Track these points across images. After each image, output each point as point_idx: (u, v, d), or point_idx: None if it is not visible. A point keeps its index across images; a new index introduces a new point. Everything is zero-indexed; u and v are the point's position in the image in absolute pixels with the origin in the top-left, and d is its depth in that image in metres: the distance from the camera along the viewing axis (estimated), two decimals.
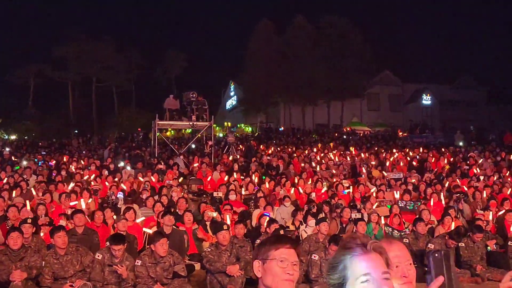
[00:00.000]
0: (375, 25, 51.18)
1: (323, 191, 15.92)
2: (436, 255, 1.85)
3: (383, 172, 19.77)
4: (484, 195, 15.24)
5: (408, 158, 23.33)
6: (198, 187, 16.88)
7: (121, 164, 20.34)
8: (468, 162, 21.84)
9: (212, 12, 79.69)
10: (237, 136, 33.38)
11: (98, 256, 8.23)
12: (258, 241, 9.89)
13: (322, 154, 23.94)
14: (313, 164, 20.75)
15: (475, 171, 20.20)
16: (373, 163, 21.90)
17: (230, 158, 21.96)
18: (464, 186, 16.69)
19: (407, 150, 26.25)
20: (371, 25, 51.73)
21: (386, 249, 2.42)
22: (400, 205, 13.63)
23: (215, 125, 29.00)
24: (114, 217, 11.15)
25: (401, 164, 21.42)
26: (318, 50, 49.22)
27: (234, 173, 17.72)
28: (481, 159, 22.58)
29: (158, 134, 23.96)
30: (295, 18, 51.93)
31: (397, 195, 15.15)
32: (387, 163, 21.72)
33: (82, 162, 21.01)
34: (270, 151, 25.40)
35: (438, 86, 57.30)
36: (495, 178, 18.21)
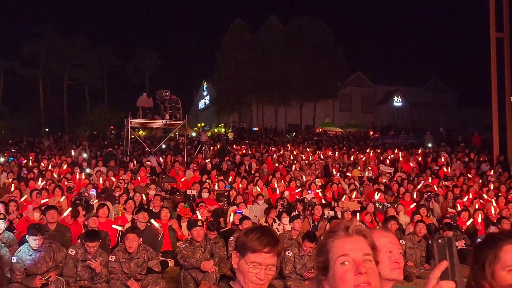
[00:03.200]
0: (347, 27, 51.56)
1: (297, 190, 16.02)
2: (440, 241, 1.89)
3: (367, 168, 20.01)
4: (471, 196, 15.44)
5: (381, 158, 23.59)
6: (171, 185, 16.84)
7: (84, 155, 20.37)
8: (437, 162, 22.25)
9: (186, 12, 79.41)
10: (210, 135, 33.36)
11: (72, 251, 8.18)
12: (232, 238, 9.95)
13: (294, 154, 24.08)
14: (286, 164, 20.88)
15: (445, 170, 20.55)
16: (346, 161, 22.12)
17: (203, 157, 21.98)
18: (434, 186, 16.97)
19: (379, 151, 26.53)
20: (344, 26, 52.08)
21: (381, 235, 2.50)
22: (377, 206, 13.77)
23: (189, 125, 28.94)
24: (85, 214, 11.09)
25: (373, 164, 21.62)
26: (290, 51, 49.45)
27: (207, 172, 17.74)
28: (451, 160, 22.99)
29: (130, 132, 23.81)
30: (268, 18, 52.12)
31: (377, 196, 15.26)
32: (359, 163, 21.94)
33: (54, 161, 20.77)
34: (243, 151, 25.44)
35: (409, 88, 58.02)
36: (463, 179, 18.61)
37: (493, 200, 14.81)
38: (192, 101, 64.92)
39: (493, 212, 13.11)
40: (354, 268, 1.93)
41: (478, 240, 2.35)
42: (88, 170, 18.37)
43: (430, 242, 1.95)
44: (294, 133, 41.38)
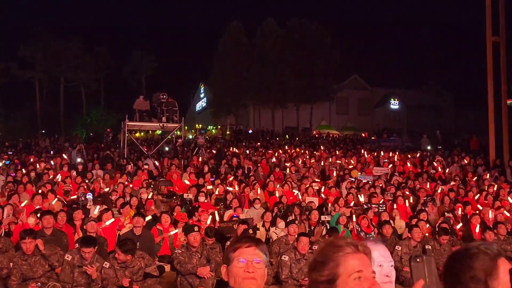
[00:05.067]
0: (345, 30, 51.62)
1: (295, 194, 16.02)
2: (418, 260, 1.92)
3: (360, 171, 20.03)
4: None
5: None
6: (167, 188, 16.82)
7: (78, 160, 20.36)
8: (434, 166, 22.28)
9: (183, 13, 79.40)
10: (207, 138, 33.37)
11: (68, 257, 8.16)
12: (228, 243, 9.94)
13: (292, 157, 24.08)
14: (283, 167, 20.88)
15: (441, 175, 20.58)
16: (351, 166, 22.13)
17: (200, 160, 21.96)
18: (431, 190, 17.00)
19: (376, 154, 26.56)
20: (341, 29, 52.14)
21: (372, 249, 2.52)
22: (372, 207, 13.79)
23: (186, 127, 28.93)
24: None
25: (370, 167, 21.63)
26: (288, 53, 49.50)
27: (204, 175, 17.74)
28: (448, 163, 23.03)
29: (127, 135, 23.77)
30: (265, 21, 52.16)
31: (361, 198, 15.27)
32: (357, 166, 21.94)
33: (52, 163, 20.73)
34: (241, 153, 25.43)
35: (406, 91, 58.12)
36: (460, 182, 18.65)
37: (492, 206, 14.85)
38: (189, 103, 64.91)
39: (490, 216, 13.13)
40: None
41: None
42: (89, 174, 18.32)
43: (408, 261, 1.98)
44: (290, 136, 41.37)
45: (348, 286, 1.94)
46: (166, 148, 25.65)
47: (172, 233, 11.06)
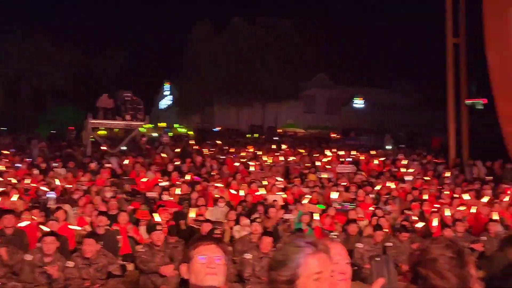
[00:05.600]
0: (311, 28, 51.72)
1: (258, 193, 16.09)
2: (378, 259, 1.99)
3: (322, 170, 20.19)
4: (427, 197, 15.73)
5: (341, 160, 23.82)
6: (131, 187, 16.72)
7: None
8: (396, 164, 22.63)
9: (149, 12, 78.59)
10: (172, 136, 33.20)
11: (28, 257, 8.09)
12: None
13: (256, 155, 24.15)
14: (247, 165, 20.93)
15: (403, 173, 20.90)
16: (308, 163, 22.31)
17: (165, 158, 21.86)
18: (392, 188, 17.28)
19: (340, 152, 26.76)
20: (308, 28, 52.25)
21: (329, 248, 2.60)
22: (336, 206, 13.95)
23: (150, 126, 28.77)
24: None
25: (333, 165, 21.81)
26: (255, 52, 49.55)
27: (168, 173, 17.70)
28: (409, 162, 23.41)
29: (100, 132, 23.52)
30: (233, 19, 52.11)
31: (334, 195, 15.41)
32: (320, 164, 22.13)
33: (13, 161, 20.36)
34: (205, 152, 25.36)
35: (372, 90, 58.63)
36: (421, 181, 19.00)
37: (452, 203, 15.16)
38: (154, 101, 64.44)
39: (448, 214, 13.41)
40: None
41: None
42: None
43: (368, 260, 2.06)
44: (256, 135, 41.46)
45: (307, 287, 1.98)
46: (126, 148, 25.46)
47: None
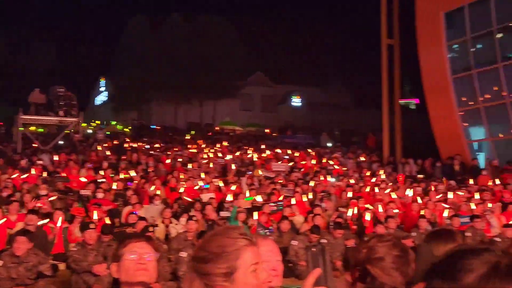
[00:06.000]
0: (249, 26, 51.94)
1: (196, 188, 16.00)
2: (313, 249, 1.98)
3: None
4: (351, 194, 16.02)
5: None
6: (64, 184, 16.28)
7: None
8: (332, 162, 23.00)
9: (85, 4, 76.76)
10: (108, 133, 32.61)
11: None
12: None
13: (193, 153, 24.03)
14: (184, 162, 20.80)
15: (338, 171, 21.27)
16: (245, 161, 22.37)
17: (99, 155, 21.43)
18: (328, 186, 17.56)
19: (277, 150, 26.95)
20: (246, 25, 52.43)
21: (260, 244, 2.58)
22: (273, 205, 14.03)
23: (84, 124, 28.14)
24: None
25: (270, 163, 21.94)
26: (192, 48, 49.22)
27: (103, 171, 17.35)
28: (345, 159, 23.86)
29: (21, 129, 22.78)
30: (170, 15, 51.62)
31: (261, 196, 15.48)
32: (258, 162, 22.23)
33: None
34: (142, 149, 25.02)
35: (308, 89, 59.23)
36: (356, 178, 19.39)
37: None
38: (89, 97, 63.02)
39: (381, 211, 13.72)
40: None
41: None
42: None
43: (305, 251, 2.07)
44: (193, 132, 41.20)
45: (246, 279, 1.96)
46: (62, 142, 24.82)
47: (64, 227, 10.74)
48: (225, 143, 29.35)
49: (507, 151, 21.51)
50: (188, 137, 35.41)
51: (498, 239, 11.50)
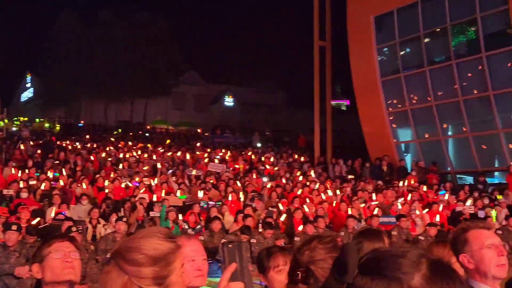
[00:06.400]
0: (182, 24, 51.64)
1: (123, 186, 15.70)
2: (230, 245, 1.97)
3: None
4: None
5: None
6: None
7: None
8: (263, 162, 23.10)
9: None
10: (33, 131, 31.58)
11: None
12: None
13: (123, 152, 23.61)
14: (114, 161, 20.39)
15: (269, 171, 21.38)
16: (176, 160, 22.14)
17: (24, 153, 20.68)
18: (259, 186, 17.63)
19: (209, 150, 26.86)
20: (178, 24, 52.14)
21: (185, 244, 2.52)
22: (202, 205, 13.96)
23: (6, 121, 27.13)
24: None
25: (202, 162, 21.84)
26: (124, 45, 48.31)
27: (27, 170, 16.74)
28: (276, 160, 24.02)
29: None
30: (101, 11, 50.52)
31: (200, 194, 15.38)
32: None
33: None
34: (69, 147, 24.35)
35: (240, 89, 59.40)
36: (287, 178, 19.56)
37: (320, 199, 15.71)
38: (13, 93, 60.84)
39: (311, 211, 13.87)
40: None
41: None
42: None
43: (220, 247, 2.06)
44: (123, 130, 40.47)
45: (178, 281, 1.93)
46: None
47: None
48: (156, 142, 28.99)
49: (433, 153, 22.22)
50: (118, 135, 34.81)
51: (422, 238, 11.86)
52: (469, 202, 15.52)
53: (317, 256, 2.37)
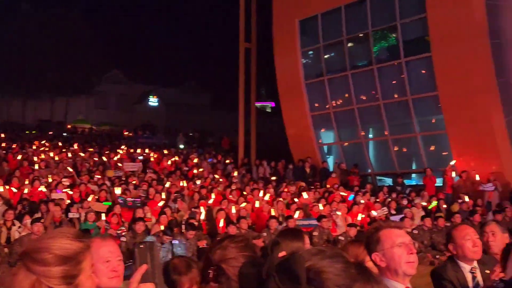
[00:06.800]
0: (106, 22, 50.66)
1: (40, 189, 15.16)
2: (141, 246, 1.94)
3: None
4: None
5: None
6: None
7: None
8: (187, 163, 22.93)
9: None
10: None
11: None
12: None
13: (41, 152, 22.85)
14: (32, 162, 19.67)
15: (194, 172, 21.24)
16: (97, 161, 21.62)
17: None
18: (182, 187, 17.46)
19: (132, 150, 26.38)
20: (102, 21, 51.02)
21: (100, 245, 2.61)
22: (120, 201, 13.72)
23: None
24: None
25: (124, 164, 21.41)
26: (44, 42, 46.71)
27: None
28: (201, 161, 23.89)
29: None
30: (20, 5, 48.75)
31: (118, 191, 15.11)
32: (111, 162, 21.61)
33: None
34: None
35: (165, 89, 58.85)
36: (211, 179, 19.49)
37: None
38: None
39: (234, 212, 13.87)
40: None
41: None
42: None
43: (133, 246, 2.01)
44: (43, 130, 39.12)
45: (87, 281, 1.90)
46: None
47: None
48: (77, 142, 28.21)
49: (354, 155, 22.70)
50: (36, 134, 33.66)
51: (342, 238, 12.10)
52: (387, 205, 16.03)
53: (228, 254, 2.37)
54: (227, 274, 2.31)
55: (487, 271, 3.87)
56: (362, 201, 16.31)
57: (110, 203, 14.02)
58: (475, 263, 4.03)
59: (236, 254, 2.36)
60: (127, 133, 40.68)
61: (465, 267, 4.00)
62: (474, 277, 3.98)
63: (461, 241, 4.00)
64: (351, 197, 17.21)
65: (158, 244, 9.87)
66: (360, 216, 14.73)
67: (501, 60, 18.45)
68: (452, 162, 18.94)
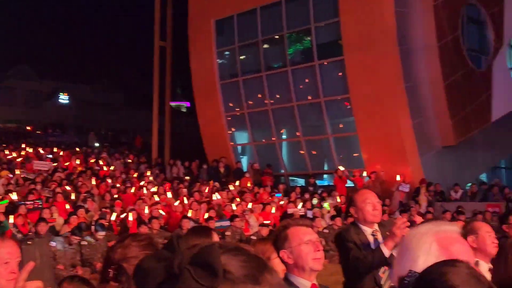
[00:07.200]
0: (12, 16, 48.53)
1: None
2: (29, 242, 1.82)
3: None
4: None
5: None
6: None
7: None
8: (99, 162, 22.38)
9: None
10: None
11: None
12: None
13: None
14: None
15: (105, 171, 20.75)
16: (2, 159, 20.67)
17: None
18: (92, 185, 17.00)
19: (40, 149, 25.41)
20: (11, 15, 48.90)
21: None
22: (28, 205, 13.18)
23: None
24: None
25: (31, 162, 20.57)
26: None
27: None
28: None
29: None
30: None
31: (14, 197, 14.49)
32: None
33: None
34: None
35: (76, 86, 57.16)
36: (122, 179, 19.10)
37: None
38: None
39: (146, 212, 13.66)
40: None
41: None
42: None
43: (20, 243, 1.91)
44: None
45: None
46: None
47: None
48: None
49: (268, 155, 22.90)
50: None
51: (254, 238, 12.17)
52: (300, 205, 16.28)
53: (130, 253, 2.32)
54: (128, 273, 2.23)
55: (388, 233, 4.07)
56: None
57: (6, 201, 13.41)
58: (376, 226, 4.25)
59: (138, 253, 2.30)
60: (37, 132, 39.22)
61: (367, 230, 4.21)
62: (375, 240, 4.18)
63: (361, 205, 4.20)
64: (278, 194, 17.63)
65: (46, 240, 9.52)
66: (272, 217, 14.88)
67: (409, 65, 19.19)
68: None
